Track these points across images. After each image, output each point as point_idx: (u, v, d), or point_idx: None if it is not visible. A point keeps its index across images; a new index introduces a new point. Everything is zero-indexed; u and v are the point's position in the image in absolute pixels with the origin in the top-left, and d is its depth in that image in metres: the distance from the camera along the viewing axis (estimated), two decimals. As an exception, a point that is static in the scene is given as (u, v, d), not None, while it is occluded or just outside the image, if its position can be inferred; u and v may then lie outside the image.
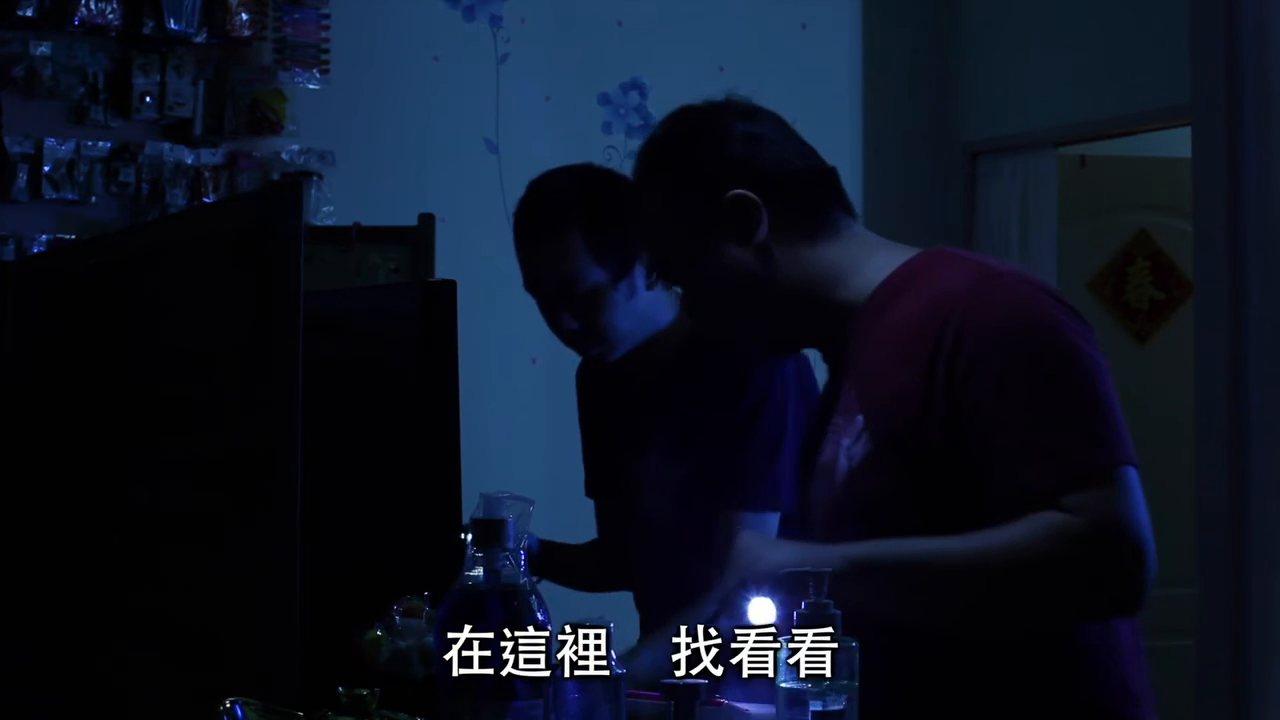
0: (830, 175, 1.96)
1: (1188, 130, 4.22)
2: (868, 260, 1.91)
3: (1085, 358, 1.83)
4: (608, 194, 2.43)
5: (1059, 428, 1.76)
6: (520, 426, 4.39)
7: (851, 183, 5.23)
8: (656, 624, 2.38)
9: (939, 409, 1.75)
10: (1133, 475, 1.76)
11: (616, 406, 2.57)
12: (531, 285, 2.47)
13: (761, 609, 1.46)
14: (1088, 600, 1.73)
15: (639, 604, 2.57)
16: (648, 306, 2.46)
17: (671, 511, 2.45)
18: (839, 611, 1.40)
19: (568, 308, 2.43)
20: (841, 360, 1.91)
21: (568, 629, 1.40)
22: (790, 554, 1.69)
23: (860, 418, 1.82)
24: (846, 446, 1.84)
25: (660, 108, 4.86)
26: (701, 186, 1.90)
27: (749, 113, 2.02)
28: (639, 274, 2.42)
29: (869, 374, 1.84)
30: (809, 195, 1.93)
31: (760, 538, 1.89)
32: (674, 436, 2.45)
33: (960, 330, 1.76)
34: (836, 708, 1.36)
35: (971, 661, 1.79)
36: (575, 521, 4.37)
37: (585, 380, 2.68)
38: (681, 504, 2.42)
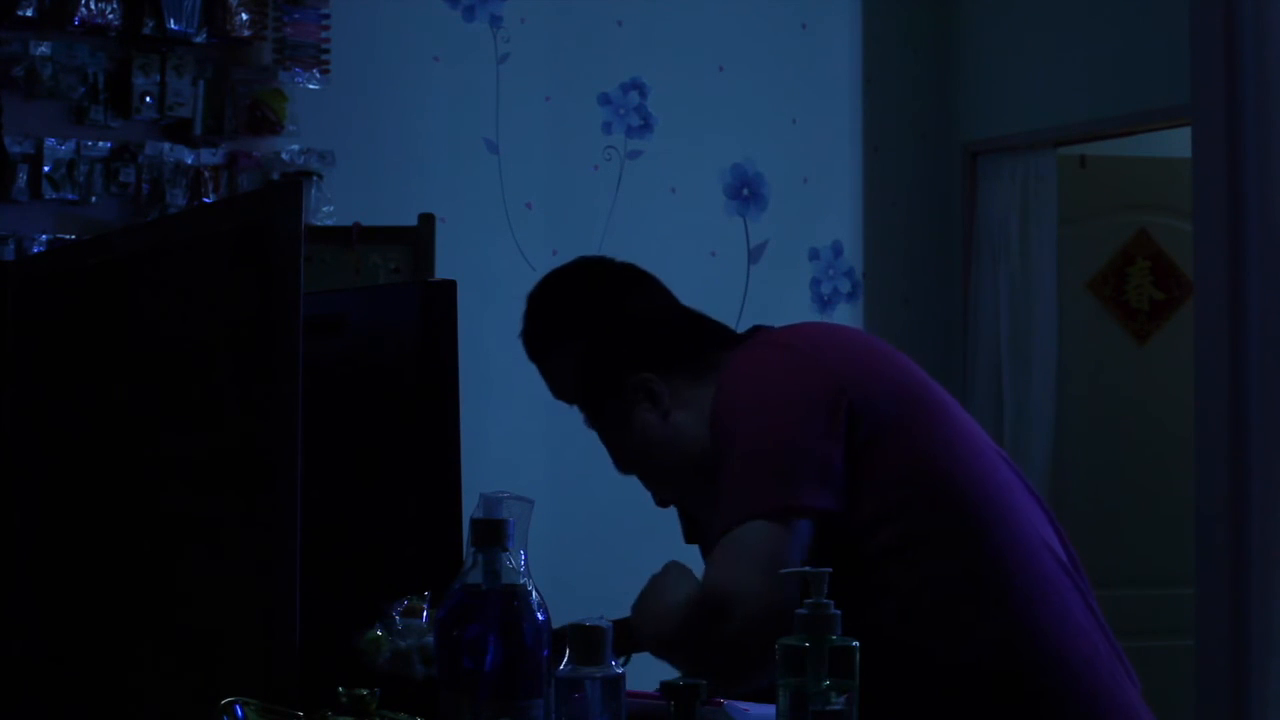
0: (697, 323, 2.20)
1: (1188, 130, 4.22)
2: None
3: (760, 411, 1.94)
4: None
5: (725, 487, 1.91)
6: (520, 426, 4.39)
7: (852, 183, 5.28)
8: None
9: None
10: (750, 530, 1.83)
11: None
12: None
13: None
14: (706, 666, 1.80)
15: None
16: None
17: None
18: (839, 611, 1.40)
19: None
20: None
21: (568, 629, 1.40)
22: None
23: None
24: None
25: (660, 108, 4.89)
26: (602, 375, 2.15)
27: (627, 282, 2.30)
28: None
29: None
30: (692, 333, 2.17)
31: (682, 568, 1.96)
32: None
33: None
34: (836, 708, 1.36)
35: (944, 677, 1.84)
36: (575, 521, 4.38)
37: None
38: None
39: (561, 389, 2.29)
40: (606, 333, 2.16)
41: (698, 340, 2.13)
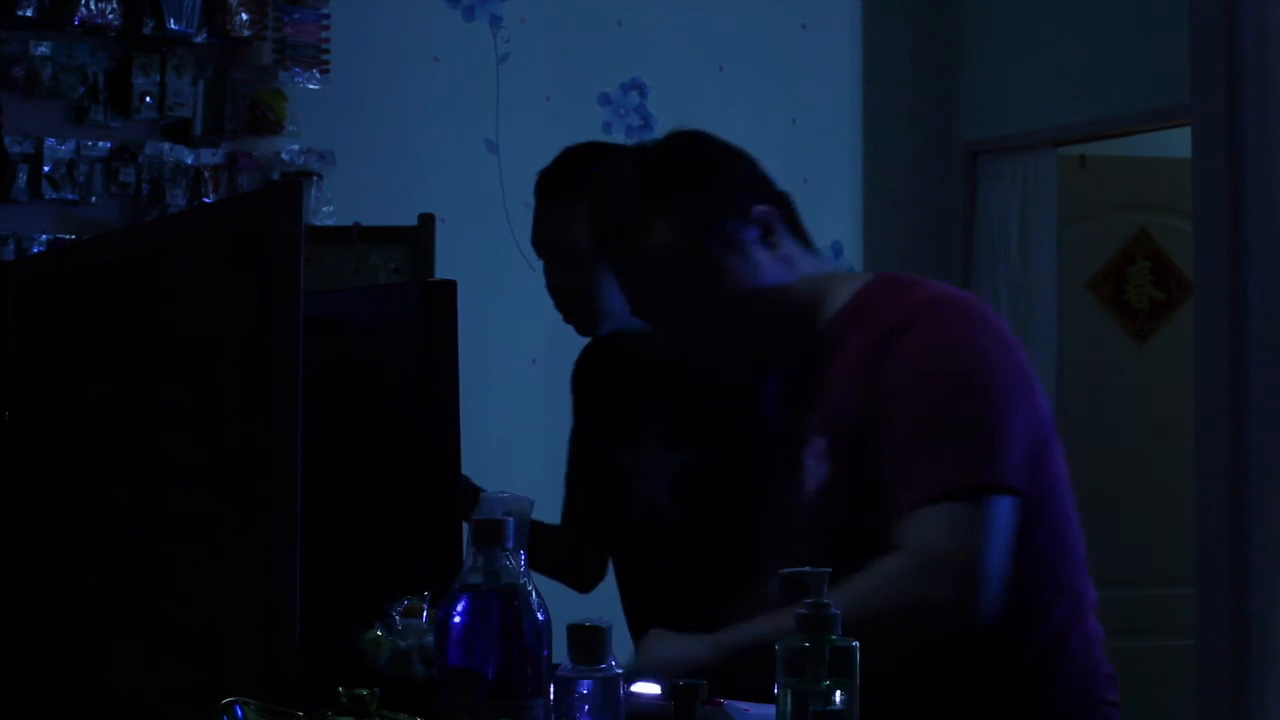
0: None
1: (1188, 130, 4.22)
2: (832, 286, 2.05)
3: (987, 384, 1.90)
4: (631, 173, 2.43)
5: (934, 453, 1.85)
6: (520, 426, 4.39)
7: (852, 183, 5.28)
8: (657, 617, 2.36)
9: (876, 434, 1.88)
10: (992, 504, 1.83)
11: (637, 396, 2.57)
12: (536, 243, 2.50)
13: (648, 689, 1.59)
14: (922, 629, 1.81)
15: (636, 600, 2.56)
16: None
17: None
18: (839, 611, 1.40)
19: (561, 269, 2.46)
20: (805, 383, 2.03)
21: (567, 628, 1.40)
22: (679, 648, 1.85)
23: (823, 440, 1.95)
24: (811, 466, 1.96)
25: (660, 108, 4.88)
26: (729, 198, 2.02)
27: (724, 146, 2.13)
28: None
29: (829, 400, 1.96)
30: (799, 216, 2.10)
31: (662, 633, 1.95)
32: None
33: (890, 361, 1.90)
34: (837, 708, 1.36)
35: (938, 660, 1.88)
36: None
37: (591, 368, 2.67)
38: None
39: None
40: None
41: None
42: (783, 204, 2.07)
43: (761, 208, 2.03)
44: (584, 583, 2.68)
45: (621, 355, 2.54)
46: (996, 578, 1.79)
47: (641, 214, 2.02)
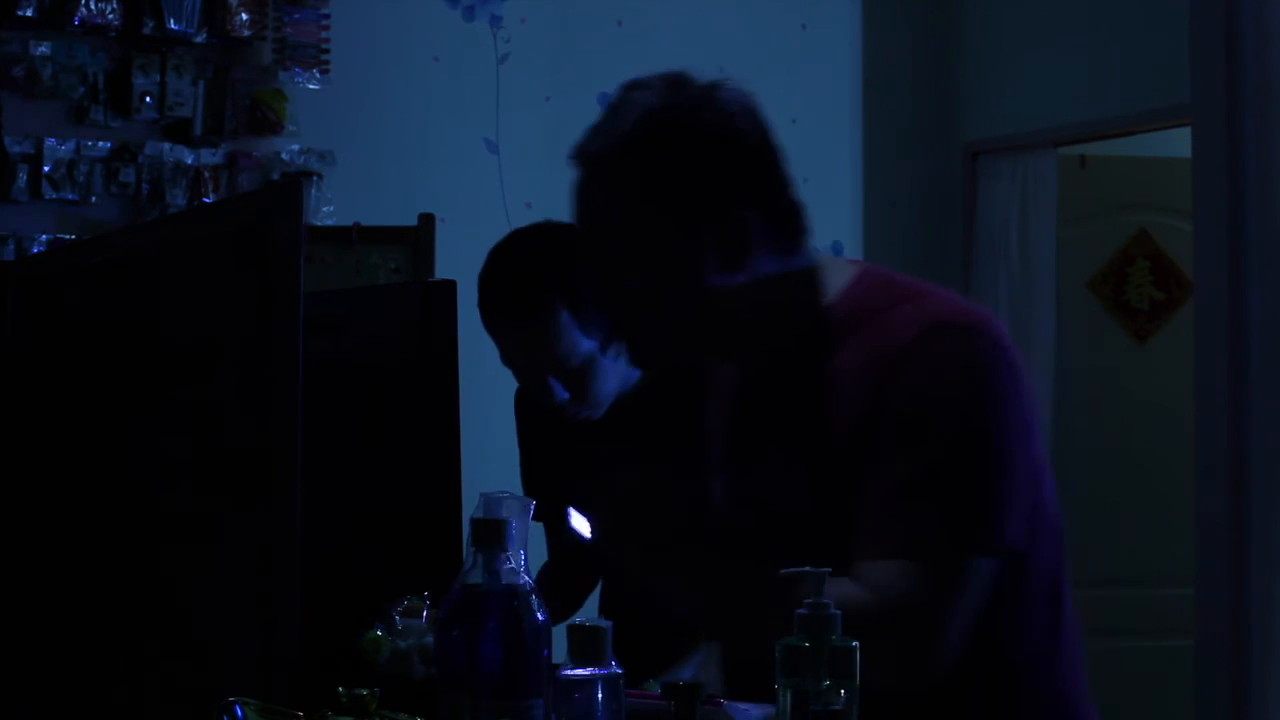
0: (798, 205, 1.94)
1: (1188, 130, 4.22)
2: (817, 281, 1.89)
3: (988, 438, 1.78)
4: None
5: (923, 506, 1.75)
6: (520, 426, 4.38)
7: (852, 183, 5.28)
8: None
9: (864, 467, 1.76)
10: (972, 566, 1.75)
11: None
12: (511, 361, 2.40)
13: None
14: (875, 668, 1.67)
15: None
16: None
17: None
18: (839, 611, 1.40)
19: (559, 382, 2.38)
20: (781, 386, 1.89)
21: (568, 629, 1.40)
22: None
23: (798, 460, 1.84)
24: (778, 473, 1.86)
25: (660, 108, 4.87)
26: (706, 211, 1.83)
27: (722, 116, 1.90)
28: None
29: (812, 418, 1.83)
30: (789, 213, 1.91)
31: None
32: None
33: (891, 396, 1.76)
34: (836, 708, 1.36)
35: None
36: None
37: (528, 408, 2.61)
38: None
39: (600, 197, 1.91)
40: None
41: (803, 213, 1.91)
42: (769, 206, 1.88)
43: (737, 215, 1.84)
44: (585, 596, 2.67)
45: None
46: (952, 646, 1.73)
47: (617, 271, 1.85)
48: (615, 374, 2.41)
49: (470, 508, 1.50)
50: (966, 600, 1.74)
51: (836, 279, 1.89)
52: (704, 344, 1.89)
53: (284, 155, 4.33)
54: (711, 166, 1.84)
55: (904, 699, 1.75)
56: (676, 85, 1.89)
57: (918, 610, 1.72)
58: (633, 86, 1.94)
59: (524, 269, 2.35)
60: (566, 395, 2.38)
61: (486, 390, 4.17)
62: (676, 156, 1.84)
